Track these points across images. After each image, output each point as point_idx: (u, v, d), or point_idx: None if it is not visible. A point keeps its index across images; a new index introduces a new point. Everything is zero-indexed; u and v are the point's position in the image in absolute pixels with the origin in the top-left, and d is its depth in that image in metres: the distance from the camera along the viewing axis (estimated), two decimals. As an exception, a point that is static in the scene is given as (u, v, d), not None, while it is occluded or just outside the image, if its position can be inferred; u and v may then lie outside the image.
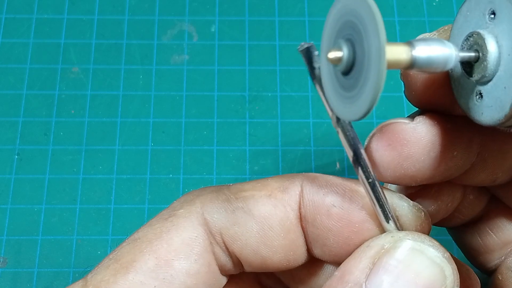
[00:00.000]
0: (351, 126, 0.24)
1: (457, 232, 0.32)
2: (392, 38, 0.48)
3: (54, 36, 0.48)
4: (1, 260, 0.41)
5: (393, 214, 0.25)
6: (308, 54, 0.24)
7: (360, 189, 0.26)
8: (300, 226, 0.27)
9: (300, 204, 0.26)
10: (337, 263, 0.28)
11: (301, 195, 0.26)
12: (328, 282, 0.24)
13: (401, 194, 0.27)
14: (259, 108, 0.46)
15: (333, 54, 0.21)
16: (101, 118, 0.45)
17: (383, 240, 0.24)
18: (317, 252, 0.27)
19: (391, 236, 0.24)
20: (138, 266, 0.25)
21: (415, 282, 0.23)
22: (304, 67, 0.47)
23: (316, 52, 0.24)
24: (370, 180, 0.24)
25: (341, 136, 0.24)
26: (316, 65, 0.24)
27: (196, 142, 0.45)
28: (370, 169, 0.24)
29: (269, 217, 0.26)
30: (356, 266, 0.24)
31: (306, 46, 0.24)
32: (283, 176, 0.27)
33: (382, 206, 0.25)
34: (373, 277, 0.23)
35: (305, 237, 0.27)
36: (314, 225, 0.26)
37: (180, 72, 0.47)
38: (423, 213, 0.26)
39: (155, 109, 0.46)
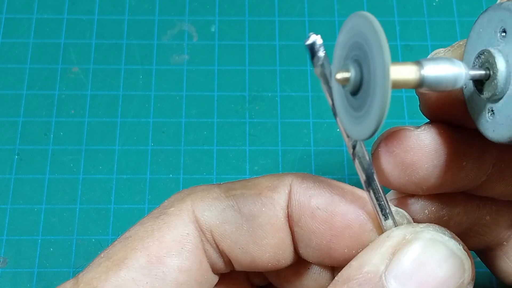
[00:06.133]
0: (367, 153, 0.24)
1: (485, 256, 0.31)
2: (392, 38, 0.48)
3: (54, 36, 0.48)
4: (1, 260, 0.41)
5: (392, 213, 0.25)
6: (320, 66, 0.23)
7: (347, 194, 0.26)
8: (288, 225, 0.27)
9: (288, 203, 0.26)
10: (321, 264, 0.28)
11: (289, 195, 0.26)
12: (346, 272, 0.24)
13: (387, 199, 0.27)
14: (259, 108, 0.46)
15: (340, 75, 0.22)
16: (101, 118, 0.45)
17: (404, 231, 0.24)
18: (302, 252, 0.27)
19: (412, 227, 0.24)
20: (130, 263, 0.25)
21: (436, 273, 0.23)
22: (304, 67, 0.47)
23: (321, 46, 0.23)
24: (380, 202, 0.25)
25: (356, 163, 0.24)
26: (331, 81, 0.24)
27: (196, 142, 0.45)
28: (381, 192, 0.24)
29: (259, 215, 0.26)
30: (376, 256, 0.24)
31: (312, 41, 0.23)
32: (273, 175, 0.27)
33: (382, 207, 0.25)
34: (393, 267, 0.23)
35: (292, 236, 0.27)
36: (299, 225, 0.26)
37: (180, 72, 0.47)
38: (406, 220, 0.26)
39: (155, 109, 0.46)
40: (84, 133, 0.45)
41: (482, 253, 0.31)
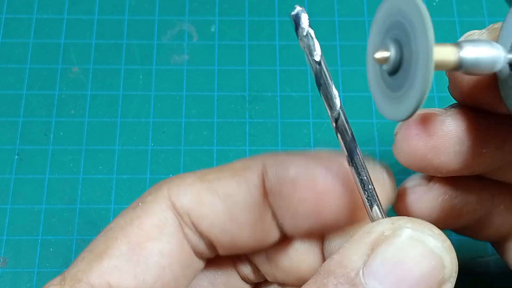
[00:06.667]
0: (349, 126, 0.24)
1: (500, 246, 0.31)
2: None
3: (54, 36, 0.48)
4: (1, 260, 0.41)
5: (379, 201, 0.25)
6: (297, 21, 0.23)
7: (322, 158, 0.26)
8: (265, 201, 0.27)
9: (262, 180, 0.27)
10: (310, 236, 0.28)
11: (264, 171, 0.27)
12: (327, 264, 0.24)
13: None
14: (259, 108, 0.46)
15: (380, 54, 0.22)
16: (101, 118, 0.45)
17: (383, 227, 0.24)
18: (288, 227, 0.27)
19: (391, 223, 0.24)
20: (111, 252, 0.26)
21: (412, 272, 0.23)
22: (304, 67, 0.47)
23: (305, 18, 0.23)
24: (362, 177, 0.24)
25: (338, 136, 0.24)
26: (308, 41, 0.23)
27: (196, 142, 0.45)
28: (364, 167, 0.24)
29: (233, 194, 0.27)
30: (355, 252, 0.24)
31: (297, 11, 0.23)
32: (247, 158, 0.28)
33: (363, 182, 0.25)
34: (370, 264, 0.23)
35: (273, 213, 0.27)
36: (281, 197, 0.26)
37: (180, 72, 0.47)
38: (385, 175, 0.26)
39: (155, 109, 0.46)
40: (84, 133, 0.45)
41: (496, 243, 0.31)
